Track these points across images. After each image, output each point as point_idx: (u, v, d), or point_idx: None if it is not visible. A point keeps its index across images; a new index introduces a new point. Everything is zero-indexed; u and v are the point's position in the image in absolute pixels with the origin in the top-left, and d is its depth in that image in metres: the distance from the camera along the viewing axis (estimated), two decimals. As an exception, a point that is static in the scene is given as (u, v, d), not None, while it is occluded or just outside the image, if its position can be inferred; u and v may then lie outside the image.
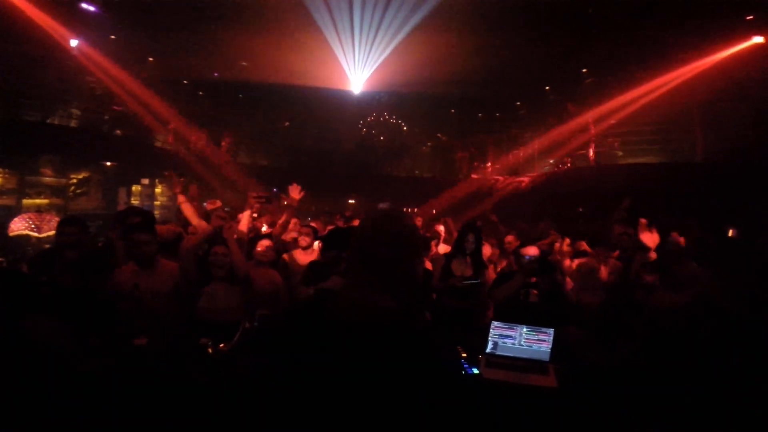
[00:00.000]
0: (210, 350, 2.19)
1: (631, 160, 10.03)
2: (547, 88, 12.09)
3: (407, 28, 10.65)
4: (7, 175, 7.71)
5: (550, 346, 2.36)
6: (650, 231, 3.67)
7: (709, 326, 2.64)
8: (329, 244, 2.98)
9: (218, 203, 3.97)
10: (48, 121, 8.47)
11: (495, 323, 2.44)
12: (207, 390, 1.92)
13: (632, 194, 3.99)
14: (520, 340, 2.40)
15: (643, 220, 3.63)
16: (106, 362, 1.97)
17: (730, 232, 6.46)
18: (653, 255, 3.41)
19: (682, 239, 3.26)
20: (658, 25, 8.42)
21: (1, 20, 7.20)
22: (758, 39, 7.92)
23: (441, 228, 4.92)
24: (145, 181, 11.16)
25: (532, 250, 2.96)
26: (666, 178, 8.25)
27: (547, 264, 3.11)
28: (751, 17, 7.82)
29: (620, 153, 10.31)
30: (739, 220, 6.18)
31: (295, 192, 3.88)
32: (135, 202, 10.34)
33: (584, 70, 10.89)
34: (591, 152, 10.27)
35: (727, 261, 3.55)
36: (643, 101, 9.46)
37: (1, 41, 7.26)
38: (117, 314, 2.53)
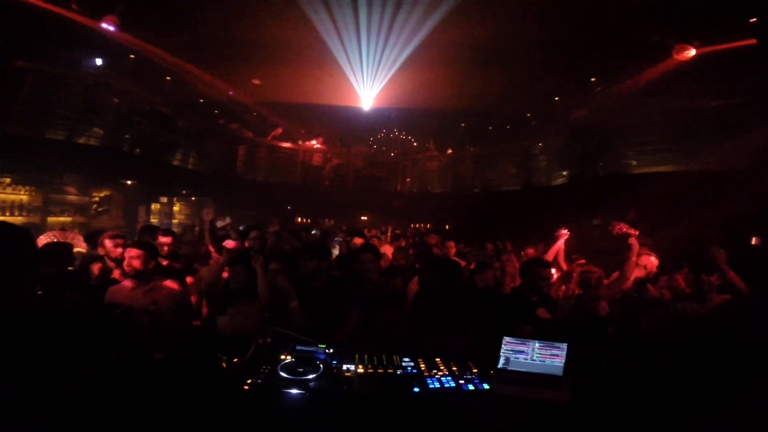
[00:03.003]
0: (224, 364, 2.23)
1: (646, 170, 9.85)
2: (556, 98, 12.06)
3: (415, 42, 10.76)
4: (33, 193, 7.94)
5: (563, 361, 2.34)
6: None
7: (736, 335, 2.60)
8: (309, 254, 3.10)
9: (228, 219, 4.08)
10: (72, 140, 8.77)
11: (506, 339, 2.42)
12: (218, 401, 1.97)
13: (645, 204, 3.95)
14: (533, 355, 2.38)
15: None
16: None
17: (753, 241, 6.29)
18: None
19: (722, 252, 3.06)
20: (664, 29, 8.39)
21: (29, 39, 7.48)
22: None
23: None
24: (164, 200, 11.43)
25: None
26: (683, 187, 8.04)
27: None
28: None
29: (634, 162, 10.15)
30: (763, 228, 6.01)
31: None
32: (154, 220, 10.57)
33: (593, 79, 10.84)
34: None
35: (750, 269, 3.49)
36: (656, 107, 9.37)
37: (30, 60, 7.52)
38: (133, 329, 2.62)
